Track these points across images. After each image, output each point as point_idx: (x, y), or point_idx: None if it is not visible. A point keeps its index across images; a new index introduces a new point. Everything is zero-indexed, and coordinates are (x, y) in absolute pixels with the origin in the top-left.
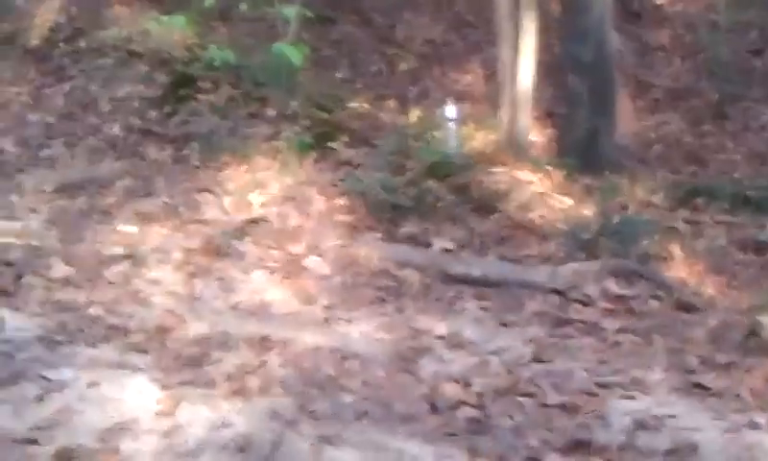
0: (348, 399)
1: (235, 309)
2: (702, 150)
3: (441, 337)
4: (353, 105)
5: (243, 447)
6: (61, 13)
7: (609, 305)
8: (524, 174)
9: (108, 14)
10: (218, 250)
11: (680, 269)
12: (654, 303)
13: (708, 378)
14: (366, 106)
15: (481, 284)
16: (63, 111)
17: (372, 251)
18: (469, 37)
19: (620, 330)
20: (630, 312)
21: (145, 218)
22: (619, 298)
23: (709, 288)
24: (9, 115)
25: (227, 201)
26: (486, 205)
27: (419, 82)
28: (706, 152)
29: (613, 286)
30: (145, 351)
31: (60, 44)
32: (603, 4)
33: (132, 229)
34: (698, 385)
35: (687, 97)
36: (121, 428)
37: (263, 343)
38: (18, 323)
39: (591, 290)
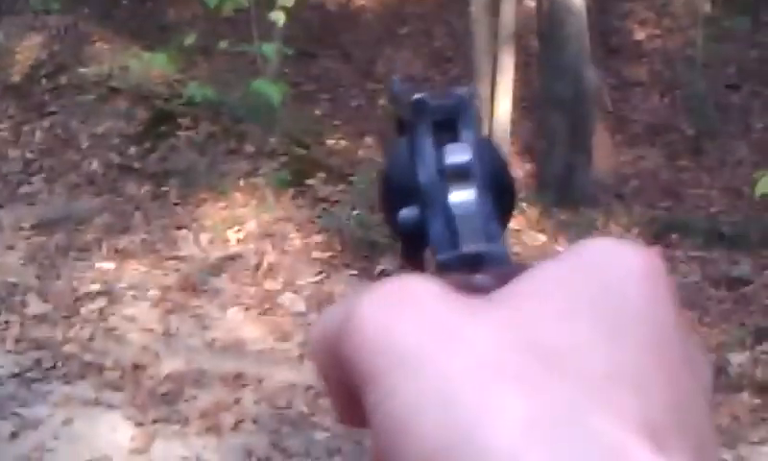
0: (320, 436)
1: (211, 346)
2: (678, 185)
3: None
4: (332, 141)
5: None
6: (43, 50)
7: None
8: None
9: (89, 51)
10: (194, 286)
11: None
12: None
13: None
14: (344, 142)
15: None
16: (43, 147)
17: (347, 288)
18: (450, 72)
19: None
20: None
21: (122, 255)
22: None
23: None
24: None
25: (204, 237)
26: None
27: None
28: (682, 187)
29: None
30: (120, 389)
31: (42, 80)
32: (581, 40)
33: (109, 265)
34: None
35: (665, 132)
36: None
37: (238, 380)
38: None
39: None
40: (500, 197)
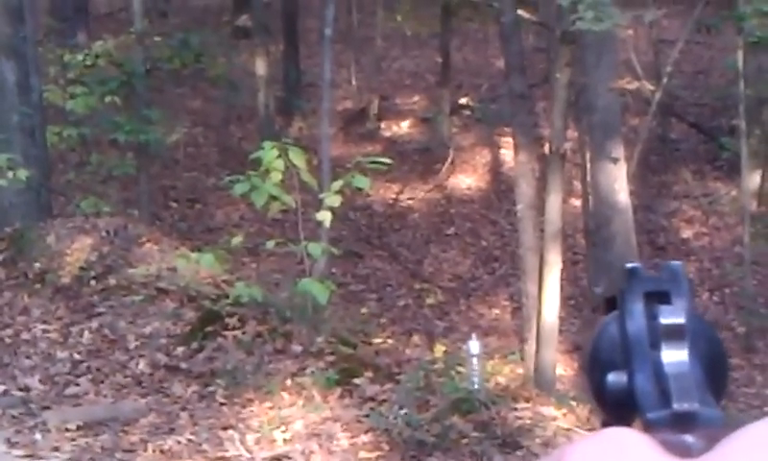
0: None
1: None
2: (730, 384)
3: None
4: (379, 340)
5: None
6: (93, 252)
7: None
8: (548, 409)
9: (138, 252)
10: None
11: None
12: None
13: None
14: (391, 341)
15: None
16: (91, 348)
17: None
18: (496, 272)
19: None
20: None
21: (168, 455)
22: None
23: None
24: (36, 352)
25: (250, 438)
26: (510, 441)
27: (445, 316)
28: (734, 385)
29: None
30: None
31: (91, 282)
32: (627, 238)
33: None
34: None
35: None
36: None
37: None
38: None
39: None
40: (713, 373)
